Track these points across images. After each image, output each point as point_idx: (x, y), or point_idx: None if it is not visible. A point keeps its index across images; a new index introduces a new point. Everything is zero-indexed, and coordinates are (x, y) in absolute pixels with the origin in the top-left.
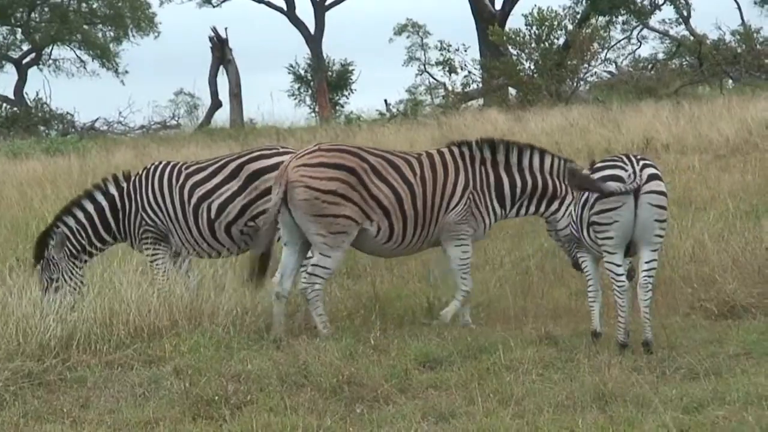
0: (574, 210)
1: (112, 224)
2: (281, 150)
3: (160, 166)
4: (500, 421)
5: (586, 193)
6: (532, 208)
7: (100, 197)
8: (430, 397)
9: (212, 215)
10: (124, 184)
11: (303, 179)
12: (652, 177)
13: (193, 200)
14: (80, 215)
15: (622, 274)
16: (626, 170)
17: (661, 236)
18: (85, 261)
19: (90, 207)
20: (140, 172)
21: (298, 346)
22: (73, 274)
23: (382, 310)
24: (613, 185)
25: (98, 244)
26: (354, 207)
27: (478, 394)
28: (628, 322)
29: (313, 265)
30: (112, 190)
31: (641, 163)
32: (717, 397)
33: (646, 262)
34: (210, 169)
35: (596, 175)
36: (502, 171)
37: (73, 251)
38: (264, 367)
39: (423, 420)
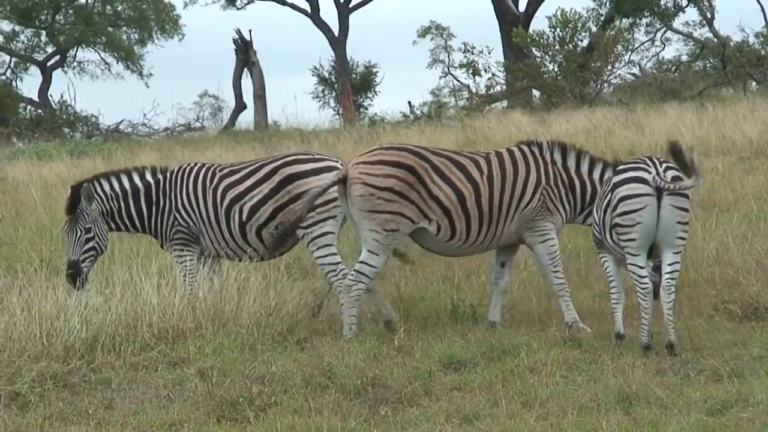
0: (596, 212)
1: (144, 211)
2: (317, 156)
3: (195, 168)
4: (524, 423)
5: (609, 196)
6: (575, 214)
7: (137, 178)
8: (454, 398)
9: (243, 218)
10: (160, 177)
11: (360, 176)
12: (675, 179)
13: (226, 202)
14: (116, 185)
15: (645, 276)
16: (650, 172)
17: (683, 238)
18: (110, 228)
19: (126, 183)
20: (175, 171)
21: (322, 347)
22: (101, 230)
23: (406, 312)
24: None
25: (121, 221)
26: (411, 206)
27: (502, 396)
28: (652, 324)
29: (361, 262)
30: (149, 177)
31: (664, 165)
32: (741, 399)
33: (669, 264)
34: (243, 172)
35: (619, 177)
36: (574, 174)
37: (102, 212)
38: (288, 369)
39: (447, 422)
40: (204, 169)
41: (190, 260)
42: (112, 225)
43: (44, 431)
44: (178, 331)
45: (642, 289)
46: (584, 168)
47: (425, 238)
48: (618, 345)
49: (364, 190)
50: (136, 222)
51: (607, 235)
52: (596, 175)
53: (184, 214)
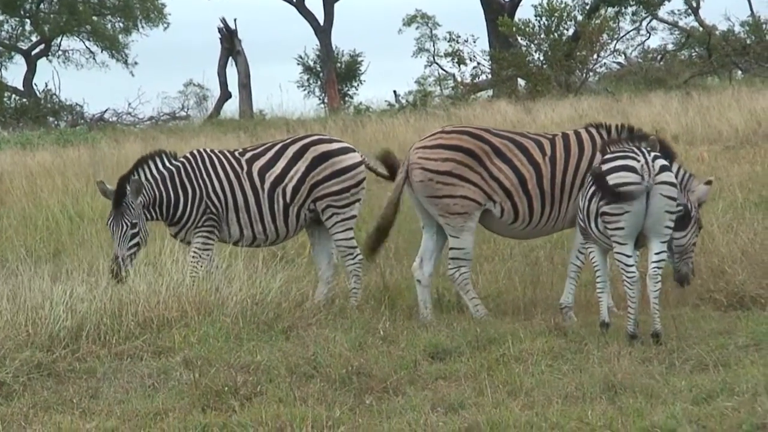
0: (581, 201)
1: (174, 198)
2: (331, 137)
3: (213, 153)
4: (510, 412)
5: (595, 186)
6: None
7: (160, 165)
8: (440, 388)
9: (288, 199)
10: (178, 163)
11: (420, 161)
12: (663, 168)
13: (267, 186)
14: (154, 171)
15: (632, 265)
16: (638, 161)
17: (670, 227)
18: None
19: (154, 169)
20: (190, 159)
21: (307, 337)
22: (145, 224)
23: (392, 302)
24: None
25: (152, 209)
26: (473, 188)
27: (488, 385)
28: (638, 313)
29: (451, 249)
30: (169, 164)
31: (652, 154)
32: (726, 388)
33: (656, 254)
34: (270, 154)
35: (608, 165)
36: None
37: (144, 202)
38: (273, 358)
39: (432, 411)
40: (224, 155)
41: (212, 249)
42: (148, 213)
43: (29, 420)
44: (163, 320)
45: (629, 278)
46: None
47: (491, 221)
48: (603, 334)
49: (423, 175)
50: (157, 207)
51: (592, 225)
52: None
53: (215, 200)
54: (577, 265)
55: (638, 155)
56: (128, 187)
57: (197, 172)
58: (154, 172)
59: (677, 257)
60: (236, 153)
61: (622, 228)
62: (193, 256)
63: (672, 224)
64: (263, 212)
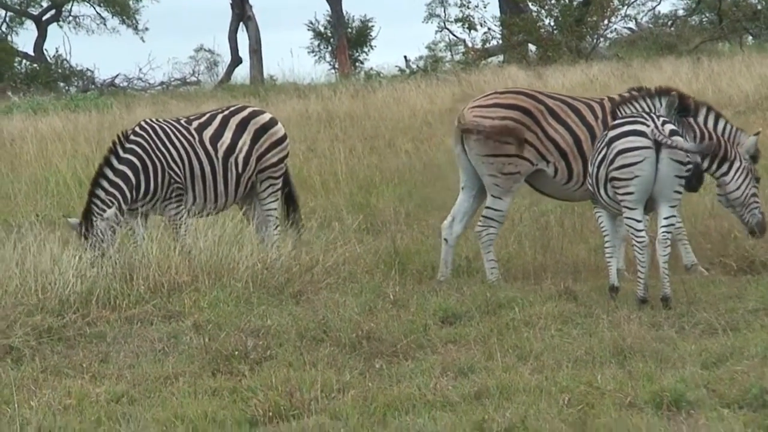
0: (591, 167)
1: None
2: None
3: (165, 123)
4: (519, 377)
5: (604, 150)
6: (705, 164)
7: (121, 154)
8: (449, 352)
9: (239, 169)
10: (128, 147)
11: (477, 120)
12: (672, 133)
13: (221, 155)
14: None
15: (642, 230)
16: (648, 125)
17: (680, 192)
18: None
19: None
20: (142, 134)
21: (317, 301)
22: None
23: (402, 266)
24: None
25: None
26: (528, 147)
27: (498, 350)
28: (648, 277)
29: (487, 208)
30: (123, 153)
31: (661, 119)
32: (736, 351)
33: (665, 218)
34: (215, 124)
35: (617, 131)
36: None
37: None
38: (283, 323)
39: (442, 375)
40: (174, 124)
41: (185, 216)
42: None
43: (39, 384)
44: (173, 284)
45: (638, 242)
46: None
47: (544, 182)
48: (613, 298)
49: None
50: (137, 192)
51: (602, 190)
52: (701, 118)
53: (177, 169)
54: (676, 227)
55: (647, 120)
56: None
57: (154, 144)
58: (118, 166)
59: (739, 210)
60: (182, 122)
61: (632, 193)
62: (175, 225)
63: (682, 189)
64: (217, 181)
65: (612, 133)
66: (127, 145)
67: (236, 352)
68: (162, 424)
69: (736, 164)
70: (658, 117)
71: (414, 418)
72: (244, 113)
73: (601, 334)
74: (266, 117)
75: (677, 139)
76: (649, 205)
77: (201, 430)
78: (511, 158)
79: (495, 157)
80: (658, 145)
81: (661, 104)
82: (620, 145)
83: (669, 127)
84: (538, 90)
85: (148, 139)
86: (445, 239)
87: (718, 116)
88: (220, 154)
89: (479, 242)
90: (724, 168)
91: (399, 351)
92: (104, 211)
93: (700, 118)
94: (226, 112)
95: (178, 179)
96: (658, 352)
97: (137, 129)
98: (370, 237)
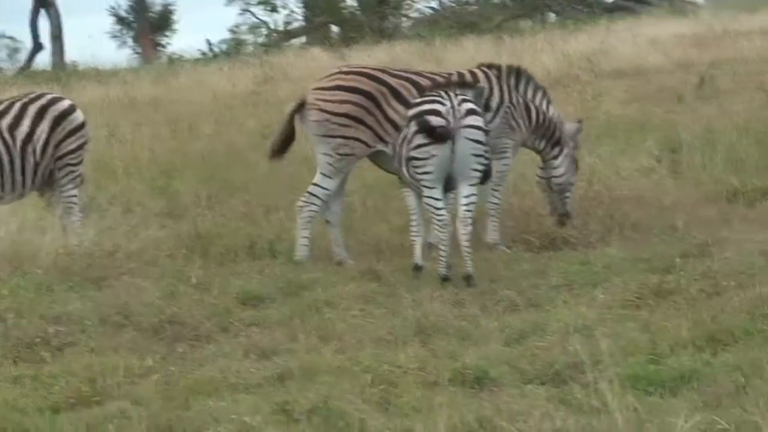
0: (396, 147)
1: None
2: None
3: None
4: (322, 358)
5: (405, 130)
6: (542, 144)
7: None
8: (252, 334)
9: (37, 158)
10: None
11: (317, 102)
12: (470, 112)
13: (18, 143)
14: None
15: (441, 208)
16: (444, 105)
17: (479, 170)
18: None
19: None
20: None
21: (119, 286)
22: None
23: (204, 249)
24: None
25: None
26: (366, 130)
27: (300, 331)
28: (449, 255)
29: (314, 184)
30: None
31: (459, 98)
32: (538, 328)
33: (465, 197)
34: (13, 113)
35: (415, 110)
36: (527, 97)
37: None
38: (85, 309)
39: (245, 358)
40: None
41: None
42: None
43: None
44: None
45: (438, 221)
46: (530, 94)
47: (385, 160)
48: (416, 277)
49: (320, 115)
50: None
51: (404, 169)
52: (537, 101)
53: None
54: (494, 203)
55: (445, 99)
56: None
57: None
58: None
59: (555, 196)
60: None
61: (429, 172)
62: None
63: (481, 167)
64: (15, 170)
65: (410, 113)
66: None
67: (38, 339)
68: None
69: (565, 150)
70: (456, 95)
71: (217, 401)
72: (43, 101)
73: (404, 314)
74: (65, 104)
75: (472, 118)
76: (450, 184)
77: (2, 417)
78: (348, 140)
79: (332, 137)
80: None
81: (509, 79)
82: (417, 124)
83: (466, 106)
84: (384, 68)
85: None
86: (327, 220)
87: (549, 101)
88: (18, 143)
89: (298, 217)
90: (555, 151)
91: (201, 334)
92: None
93: (537, 100)
94: (25, 100)
95: None
96: (460, 330)
97: None
98: (172, 221)
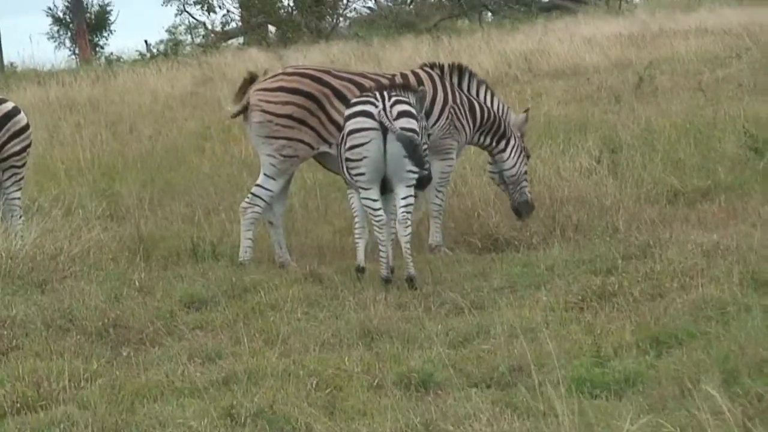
0: (337, 149)
1: None
2: None
3: None
4: (266, 361)
5: (343, 131)
6: (487, 140)
7: None
8: (197, 337)
9: None
10: None
11: (260, 103)
12: (402, 114)
13: None
14: None
15: (379, 209)
16: (377, 106)
17: (414, 172)
18: None
19: None
20: None
21: (62, 290)
22: None
23: (147, 252)
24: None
25: None
26: (310, 131)
27: (244, 334)
28: (390, 257)
29: (257, 185)
30: None
31: (393, 99)
32: (482, 330)
33: (403, 198)
34: None
35: (349, 111)
36: (470, 94)
37: None
38: (29, 312)
39: (189, 361)
40: None
41: None
42: None
43: None
44: None
45: (376, 222)
46: (473, 90)
47: (329, 161)
48: (359, 279)
49: (262, 117)
50: None
51: (343, 169)
52: (482, 96)
53: None
54: (437, 204)
55: (377, 101)
56: None
57: None
58: None
59: (511, 188)
60: None
61: (363, 174)
62: None
63: (416, 169)
64: None
65: (346, 113)
66: None
67: None
68: None
69: (512, 141)
70: (390, 97)
71: (162, 405)
72: None
73: (347, 316)
74: (8, 106)
75: (404, 120)
76: (387, 186)
77: None
78: (291, 141)
79: (275, 139)
80: (384, 127)
81: (452, 77)
82: (350, 125)
83: (399, 107)
84: (328, 69)
85: None
86: (270, 222)
87: (493, 94)
88: None
89: (242, 219)
90: (502, 145)
91: (146, 338)
92: None
93: (481, 96)
94: None
95: None
96: (405, 332)
97: None
98: (114, 224)
